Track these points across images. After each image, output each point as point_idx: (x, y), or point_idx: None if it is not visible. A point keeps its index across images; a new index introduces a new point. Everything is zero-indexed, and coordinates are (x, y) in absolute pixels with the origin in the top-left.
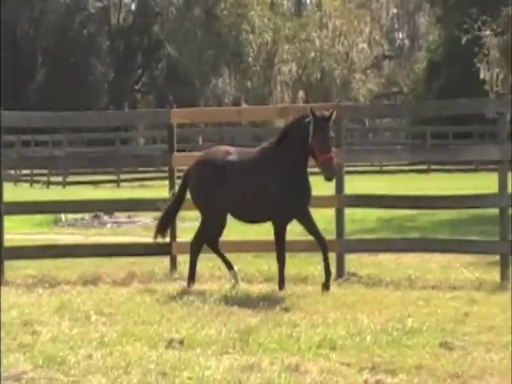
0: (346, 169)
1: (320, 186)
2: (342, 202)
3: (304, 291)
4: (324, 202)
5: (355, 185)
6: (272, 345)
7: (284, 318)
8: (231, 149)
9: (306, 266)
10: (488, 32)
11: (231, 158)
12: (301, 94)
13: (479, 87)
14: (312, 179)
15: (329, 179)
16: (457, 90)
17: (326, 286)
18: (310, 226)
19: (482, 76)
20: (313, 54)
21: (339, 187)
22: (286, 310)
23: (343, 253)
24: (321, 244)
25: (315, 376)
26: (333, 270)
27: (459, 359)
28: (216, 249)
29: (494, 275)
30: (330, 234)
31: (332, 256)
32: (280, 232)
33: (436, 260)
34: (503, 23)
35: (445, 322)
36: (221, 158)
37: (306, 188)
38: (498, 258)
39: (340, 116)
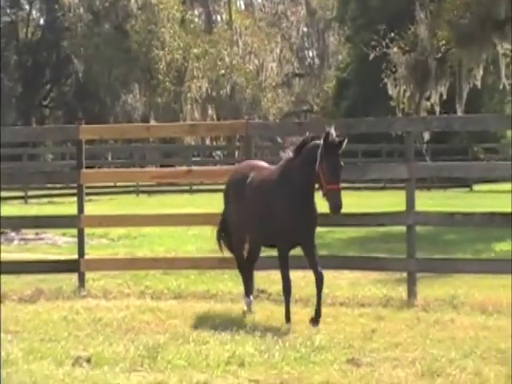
0: None
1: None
2: None
3: (213, 308)
4: None
5: None
6: (181, 362)
7: (193, 335)
8: (258, 164)
9: (216, 282)
10: (395, 49)
11: (252, 174)
12: (211, 111)
13: (387, 106)
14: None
15: (335, 213)
16: (365, 108)
17: (315, 320)
18: (310, 256)
19: (390, 92)
20: (223, 71)
21: None
22: (195, 327)
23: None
24: (317, 280)
25: None
26: (242, 287)
27: (366, 375)
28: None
29: (401, 292)
30: None
31: None
32: (282, 257)
33: (345, 277)
34: (410, 41)
35: (352, 339)
36: (244, 173)
37: (312, 214)
38: (405, 275)
39: (249, 133)
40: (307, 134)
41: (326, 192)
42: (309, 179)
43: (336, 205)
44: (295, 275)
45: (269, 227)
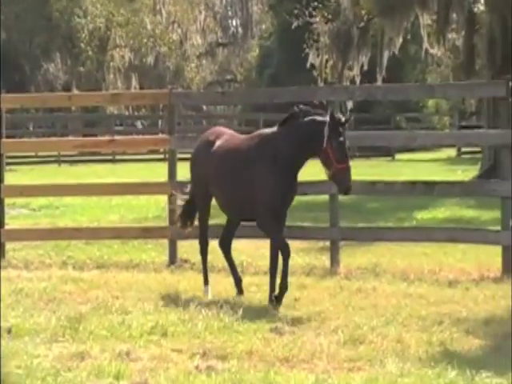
0: (179, 155)
1: (153, 173)
2: (176, 188)
3: (136, 278)
4: (157, 188)
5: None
6: (103, 332)
7: (115, 305)
8: (230, 132)
9: (139, 252)
10: (318, 18)
11: (226, 143)
12: (134, 80)
13: (310, 75)
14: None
15: (345, 193)
16: (288, 77)
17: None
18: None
19: (311, 61)
20: (146, 40)
21: (172, 173)
22: (117, 297)
23: (176, 239)
24: (283, 252)
25: (146, 363)
26: (165, 256)
27: (289, 344)
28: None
29: (324, 261)
30: (163, 221)
31: (164, 243)
32: (269, 225)
33: (268, 246)
34: (333, 10)
35: (275, 308)
36: (216, 142)
37: (295, 184)
38: (328, 243)
39: (173, 102)
40: (295, 108)
41: (335, 171)
42: (301, 153)
43: (347, 185)
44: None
45: (252, 198)
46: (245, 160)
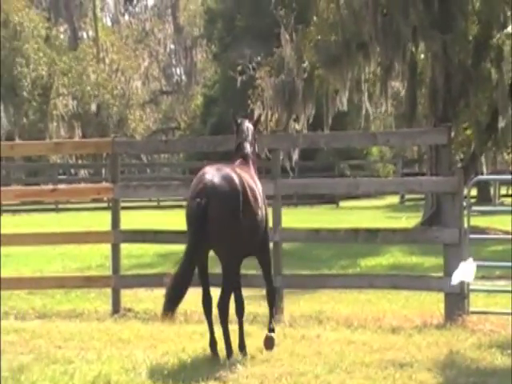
0: (123, 204)
1: (97, 222)
2: (118, 237)
3: (79, 327)
4: (100, 237)
5: (132, 220)
6: (45, 383)
7: (58, 355)
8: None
9: (82, 302)
10: (262, 73)
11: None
12: (77, 129)
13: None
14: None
15: None
16: (232, 126)
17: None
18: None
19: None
20: (89, 88)
21: (115, 222)
22: (60, 347)
23: (119, 288)
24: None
25: None
26: (108, 306)
27: None
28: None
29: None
30: (106, 270)
31: (108, 292)
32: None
33: (213, 294)
34: (277, 63)
35: (219, 356)
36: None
37: None
38: None
39: (116, 151)
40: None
41: None
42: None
43: None
44: (162, 293)
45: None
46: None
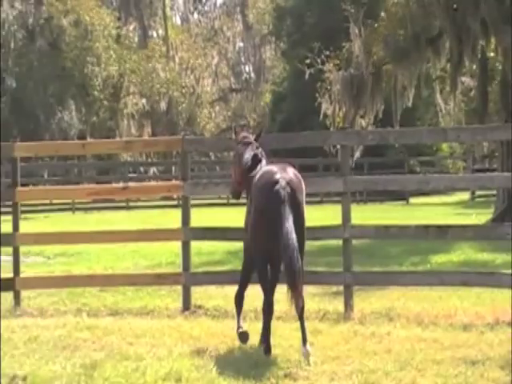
0: (193, 202)
1: (167, 219)
2: (188, 234)
3: (150, 324)
4: (170, 234)
5: (202, 217)
6: (118, 379)
7: (129, 352)
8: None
9: (153, 299)
10: (331, 66)
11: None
12: (147, 127)
13: (322, 120)
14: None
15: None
16: (300, 123)
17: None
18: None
19: (323, 110)
20: (159, 86)
21: (185, 220)
22: (132, 343)
23: (189, 285)
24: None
25: None
26: (179, 303)
27: None
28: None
29: (338, 305)
30: (176, 267)
31: (178, 289)
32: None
33: (281, 291)
34: (345, 58)
35: (289, 353)
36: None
37: None
38: (341, 288)
39: (186, 149)
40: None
41: None
42: None
43: None
44: (232, 290)
45: None
46: None
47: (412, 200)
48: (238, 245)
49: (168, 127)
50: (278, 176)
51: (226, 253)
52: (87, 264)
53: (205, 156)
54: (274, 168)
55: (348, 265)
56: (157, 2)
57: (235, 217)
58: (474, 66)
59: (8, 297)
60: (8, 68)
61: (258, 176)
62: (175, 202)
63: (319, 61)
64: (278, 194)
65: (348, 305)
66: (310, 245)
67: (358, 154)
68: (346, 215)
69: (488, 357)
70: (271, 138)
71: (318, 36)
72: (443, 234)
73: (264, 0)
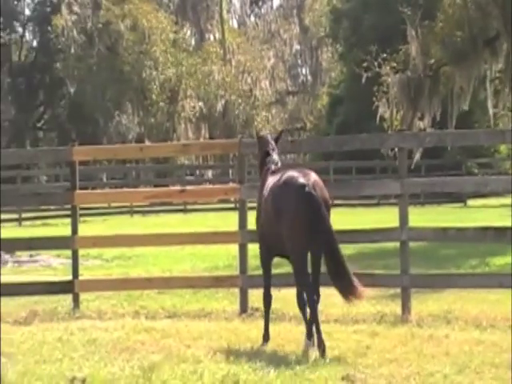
0: (250, 205)
1: (224, 222)
2: (246, 237)
3: (208, 327)
4: (227, 237)
5: None
6: (175, 381)
7: (187, 354)
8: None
9: (210, 301)
10: (388, 69)
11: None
12: (204, 130)
13: (379, 123)
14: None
15: None
16: (357, 125)
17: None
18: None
19: (380, 113)
20: (215, 89)
21: (242, 223)
22: (189, 346)
23: (247, 288)
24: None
25: None
26: (236, 305)
27: None
28: None
29: (395, 308)
30: (234, 270)
31: (235, 292)
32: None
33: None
34: (402, 60)
35: (347, 355)
36: None
37: None
38: (399, 290)
39: (243, 152)
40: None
41: None
42: None
43: None
44: (289, 292)
45: None
46: None
47: (470, 202)
48: None
49: (225, 130)
50: (302, 180)
51: None
52: (145, 267)
53: None
54: (295, 172)
55: (405, 267)
56: (213, 5)
57: None
58: None
59: (67, 299)
60: (67, 73)
61: (283, 179)
62: (232, 205)
63: (376, 64)
64: (313, 197)
65: (405, 307)
66: (367, 247)
67: (418, 156)
68: (404, 217)
69: None
70: (328, 141)
71: (374, 38)
72: (502, 236)
73: (321, 2)
